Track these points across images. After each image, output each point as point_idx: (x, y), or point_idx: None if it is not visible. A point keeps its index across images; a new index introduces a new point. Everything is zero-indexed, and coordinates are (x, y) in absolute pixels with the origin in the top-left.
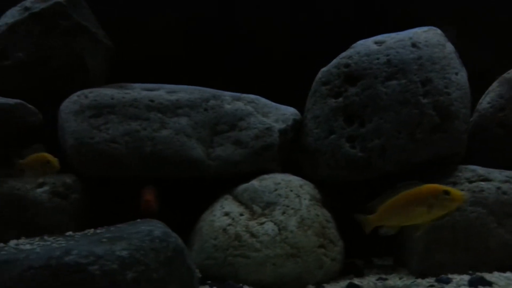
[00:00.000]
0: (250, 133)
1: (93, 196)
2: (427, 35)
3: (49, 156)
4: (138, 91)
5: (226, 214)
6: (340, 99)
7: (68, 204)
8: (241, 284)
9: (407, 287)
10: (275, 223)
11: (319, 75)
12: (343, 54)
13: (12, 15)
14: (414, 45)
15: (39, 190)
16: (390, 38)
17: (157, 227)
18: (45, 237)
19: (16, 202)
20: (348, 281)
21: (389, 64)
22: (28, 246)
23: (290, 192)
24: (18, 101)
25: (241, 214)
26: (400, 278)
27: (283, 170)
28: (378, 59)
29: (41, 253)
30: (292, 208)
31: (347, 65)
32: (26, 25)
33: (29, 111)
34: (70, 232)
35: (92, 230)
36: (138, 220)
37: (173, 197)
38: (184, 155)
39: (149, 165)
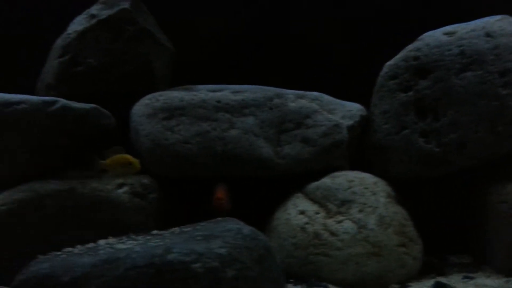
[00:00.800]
0: (318, 131)
1: (168, 196)
2: (502, 24)
3: (131, 158)
4: (204, 93)
5: (302, 212)
6: (411, 93)
7: (147, 204)
8: (324, 283)
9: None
10: (353, 221)
11: (384, 69)
12: (410, 46)
13: (80, 22)
14: (488, 34)
15: (119, 190)
16: (461, 28)
17: (244, 226)
18: (133, 236)
19: (99, 203)
20: (432, 280)
21: (463, 55)
22: (121, 245)
23: (365, 189)
24: (93, 105)
25: (317, 213)
26: (488, 277)
27: (350, 168)
28: (450, 50)
29: (142, 252)
30: (370, 206)
31: (416, 58)
32: (94, 32)
33: (103, 114)
34: (156, 231)
35: (177, 229)
36: (219, 218)
37: (243, 196)
38: (254, 154)
39: (220, 164)
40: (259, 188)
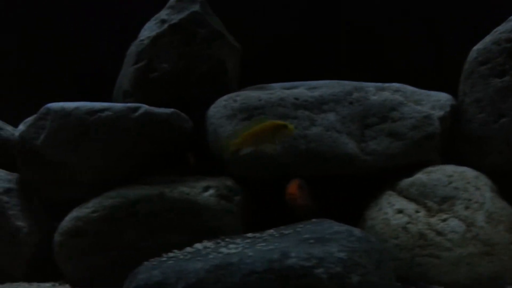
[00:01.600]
0: (406, 123)
1: (251, 197)
2: None
3: (280, 121)
4: (280, 91)
5: (400, 211)
6: (507, 78)
7: (233, 206)
8: (435, 286)
9: None
10: (460, 219)
11: (473, 54)
12: (501, 28)
13: (151, 28)
14: None
15: (205, 194)
16: None
17: (351, 227)
18: (228, 239)
19: (188, 207)
20: None
21: None
22: (225, 250)
23: (468, 184)
24: (173, 110)
25: (417, 211)
26: None
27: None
28: None
29: (256, 257)
30: (476, 202)
31: (509, 40)
32: (166, 37)
33: (183, 118)
34: (250, 234)
35: (273, 231)
36: (313, 220)
37: (327, 195)
38: (338, 151)
39: (304, 163)
40: (342, 186)
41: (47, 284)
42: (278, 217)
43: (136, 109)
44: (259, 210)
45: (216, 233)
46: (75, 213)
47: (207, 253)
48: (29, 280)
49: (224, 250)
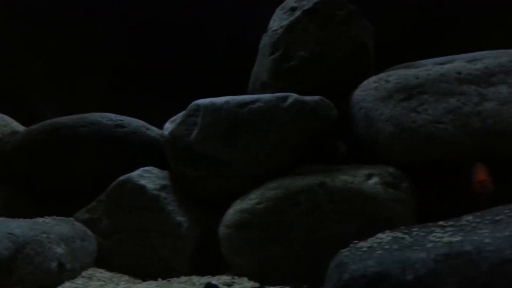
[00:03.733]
0: None
1: (417, 183)
2: None
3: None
4: (437, 66)
5: None
6: None
7: (402, 194)
8: None
9: None
10: None
11: None
12: None
13: (281, 18)
14: None
15: (370, 182)
16: None
17: None
18: (415, 229)
19: (353, 196)
20: None
21: None
22: (435, 238)
23: None
24: (320, 97)
25: None
26: None
27: None
28: None
29: (503, 244)
30: None
31: None
32: (301, 24)
33: (330, 106)
34: (443, 222)
35: (470, 217)
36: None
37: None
38: None
39: (480, 143)
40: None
41: (226, 277)
42: (451, 204)
43: (285, 98)
44: (425, 198)
45: (387, 223)
46: (238, 205)
47: (413, 242)
48: (192, 274)
49: (435, 238)
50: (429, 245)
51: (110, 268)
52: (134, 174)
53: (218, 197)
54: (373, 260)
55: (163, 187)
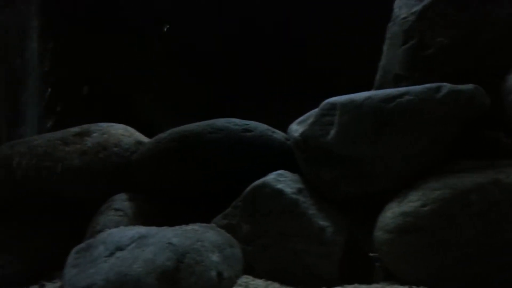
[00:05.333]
0: None
1: None
2: None
3: None
4: None
5: None
6: None
7: None
8: None
9: None
10: None
11: None
12: None
13: (407, 4)
14: None
15: None
16: None
17: None
18: None
19: None
20: None
21: None
22: None
23: None
24: (474, 85)
25: None
26: None
27: None
28: None
29: None
30: None
31: None
32: (436, 8)
33: (483, 94)
34: None
35: None
36: None
37: None
38: None
39: None
40: None
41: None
42: None
43: (438, 88)
44: None
45: None
46: (397, 208)
47: None
48: (342, 282)
49: None
50: None
51: (254, 275)
52: (270, 178)
53: (356, 200)
54: None
55: (299, 191)
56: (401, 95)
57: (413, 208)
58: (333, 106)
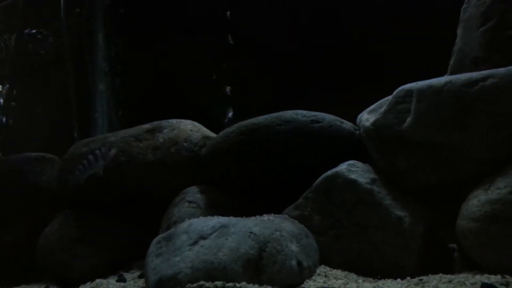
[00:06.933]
0: None
1: None
2: None
3: None
4: None
5: None
6: None
7: None
8: None
9: None
10: None
11: None
12: None
13: None
14: None
15: None
16: None
17: None
18: None
19: None
20: None
21: None
22: None
23: None
24: None
25: None
26: None
27: None
28: None
29: None
30: None
31: None
32: None
33: None
34: None
35: None
36: None
37: None
38: None
39: None
40: None
41: (496, 277)
42: None
43: None
44: None
45: None
46: (483, 195)
47: None
48: (422, 272)
49: None
50: None
51: (331, 265)
52: (342, 168)
53: (433, 189)
54: None
55: (373, 181)
56: (485, 78)
57: (502, 196)
58: (408, 93)
